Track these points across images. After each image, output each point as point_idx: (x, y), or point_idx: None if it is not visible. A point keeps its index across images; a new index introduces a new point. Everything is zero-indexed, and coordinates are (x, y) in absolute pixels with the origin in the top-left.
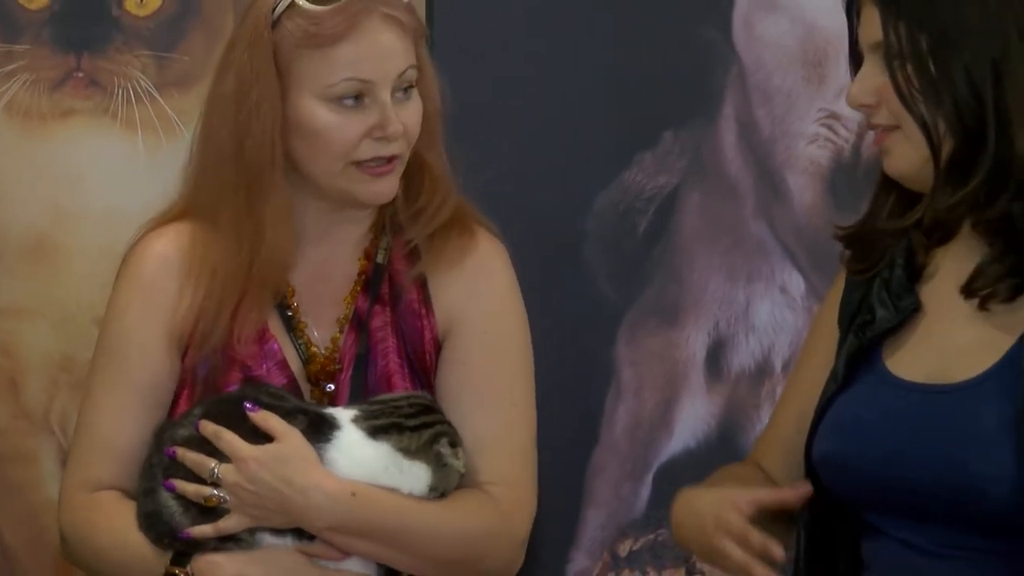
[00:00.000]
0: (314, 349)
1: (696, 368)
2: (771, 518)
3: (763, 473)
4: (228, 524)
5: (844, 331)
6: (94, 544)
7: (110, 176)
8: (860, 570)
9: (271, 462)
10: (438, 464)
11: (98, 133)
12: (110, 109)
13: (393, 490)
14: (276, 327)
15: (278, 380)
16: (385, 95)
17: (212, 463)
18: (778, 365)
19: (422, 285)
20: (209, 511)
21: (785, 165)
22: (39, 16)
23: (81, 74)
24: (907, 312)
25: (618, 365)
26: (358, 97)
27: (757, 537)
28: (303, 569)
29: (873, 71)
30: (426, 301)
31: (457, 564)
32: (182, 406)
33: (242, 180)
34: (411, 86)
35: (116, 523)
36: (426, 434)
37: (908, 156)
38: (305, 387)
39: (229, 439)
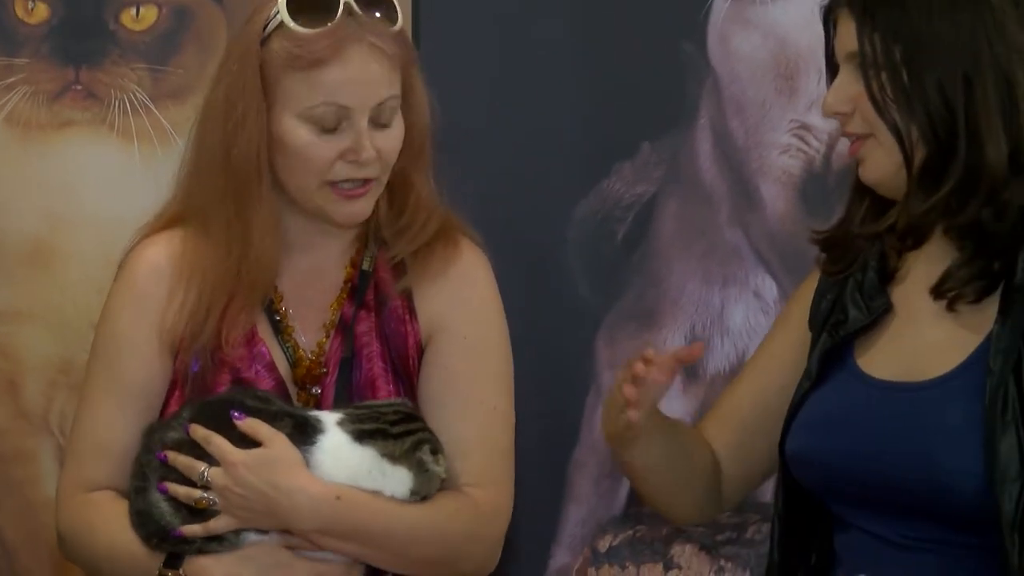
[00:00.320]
0: (301, 352)
1: None
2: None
3: (709, 447)
4: (217, 525)
5: (817, 332)
6: (91, 543)
7: (107, 184)
8: (832, 562)
9: (258, 466)
10: (420, 470)
11: (95, 143)
12: (107, 120)
13: (376, 493)
14: (265, 331)
15: (267, 383)
16: (361, 121)
17: (202, 466)
18: None
19: (407, 293)
20: (199, 512)
21: (758, 174)
22: (38, 30)
23: (79, 86)
24: (878, 312)
25: (598, 366)
26: (336, 120)
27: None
28: (289, 563)
29: (848, 80)
30: (410, 308)
31: (436, 564)
32: (173, 407)
33: (230, 187)
34: (393, 112)
35: (111, 523)
36: (408, 441)
37: (882, 163)
38: (292, 390)
39: (218, 443)
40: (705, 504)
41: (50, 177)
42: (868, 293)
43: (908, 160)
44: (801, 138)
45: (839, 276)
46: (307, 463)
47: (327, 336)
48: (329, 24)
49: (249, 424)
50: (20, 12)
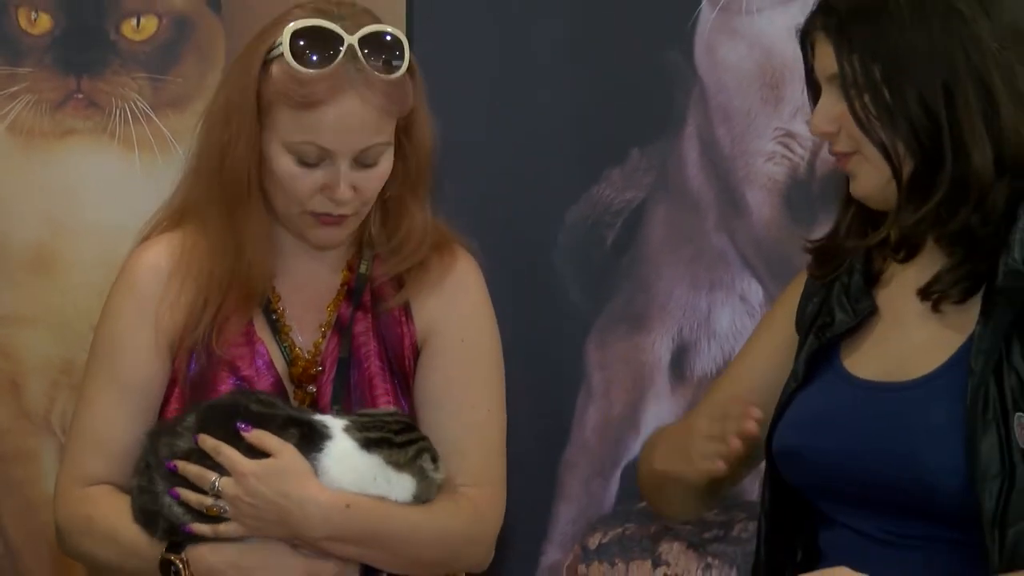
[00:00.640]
0: (298, 351)
1: (661, 371)
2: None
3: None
4: (227, 529)
5: (804, 333)
6: (90, 537)
7: (108, 191)
8: (817, 557)
9: (269, 476)
10: (422, 477)
11: (97, 151)
12: (108, 128)
13: (380, 498)
14: (263, 330)
15: (265, 380)
16: (342, 164)
17: (213, 476)
18: None
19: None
20: (207, 516)
21: (744, 181)
22: (41, 41)
23: (81, 95)
24: (864, 315)
25: (588, 368)
26: (318, 158)
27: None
28: (290, 557)
29: (831, 101)
30: (406, 310)
31: (437, 564)
32: (173, 404)
33: (224, 196)
34: (379, 154)
35: (110, 516)
36: (412, 449)
37: (871, 178)
38: (289, 388)
39: (228, 454)
40: (699, 504)
41: (52, 184)
42: (854, 296)
43: (897, 174)
44: (786, 146)
45: (825, 280)
46: (315, 469)
47: (323, 336)
48: (328, 67)
49: (256, 436)
50: (23, 23)
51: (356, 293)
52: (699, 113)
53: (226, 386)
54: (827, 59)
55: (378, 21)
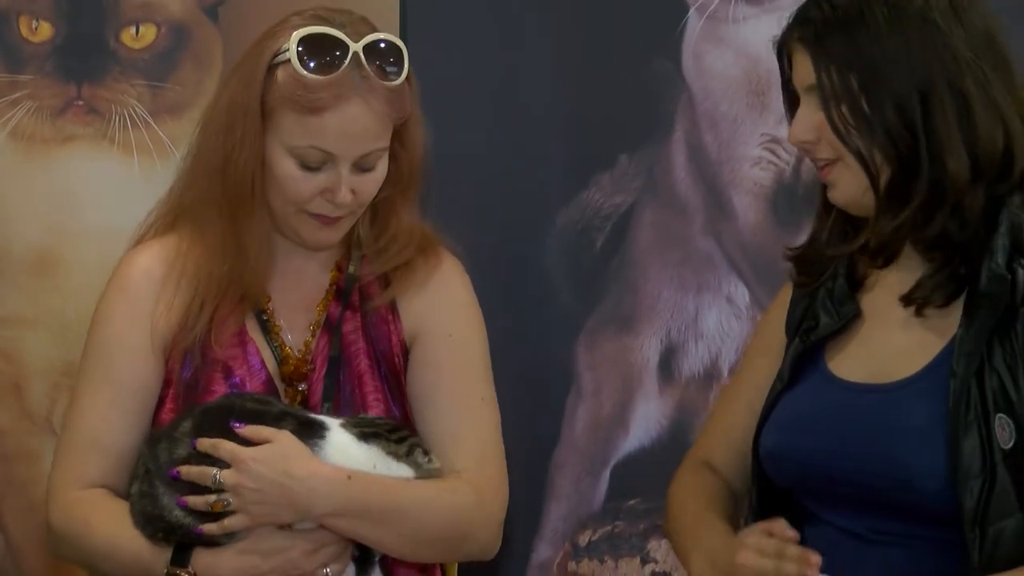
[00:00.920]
0: (288, 351)
1: (650, 372)
2: None
3: (723, 482)
4: (233, 523)
5: (791, 337)
6: (89, 541)
7: (107, 196)
8: None
9: (269, 459)
10: (418, 468)
11: (97, 156)
12: (108, 134)
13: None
14: (253, 330)
15: (257, 379)
16: (344, 168)
17: (213, 471)
18: (725, 369)
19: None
20: (216, 515)
21: (731, 185)
22: (42, 48)
23: (81, 102)
24: (848, 318)
25: (578, 369)
26: (320, 162)
27: (794, 549)
28: (288, 541)
29: (810, 111)
30: (393, 309)
31: (444, 542)
32: (167, 406)
33: (226, 199)
34: (378, 158)
35: (109, 522)
36: (404, 446)
37: (850, 186)
38: (280, 387)
39: (227, 447)
40: None
41: (53, 189)
42: (838, 299)
43: (874, 182)
44: (771, 151)
45: (809, 287)
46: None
47: (313, 335)
48: (335, 74)
49: (251, 430)
50: (25, 31)
51: (345, 293)
52: (687, 119)
53: (220, 386)
54: (805, 70)
55: (376, 29)
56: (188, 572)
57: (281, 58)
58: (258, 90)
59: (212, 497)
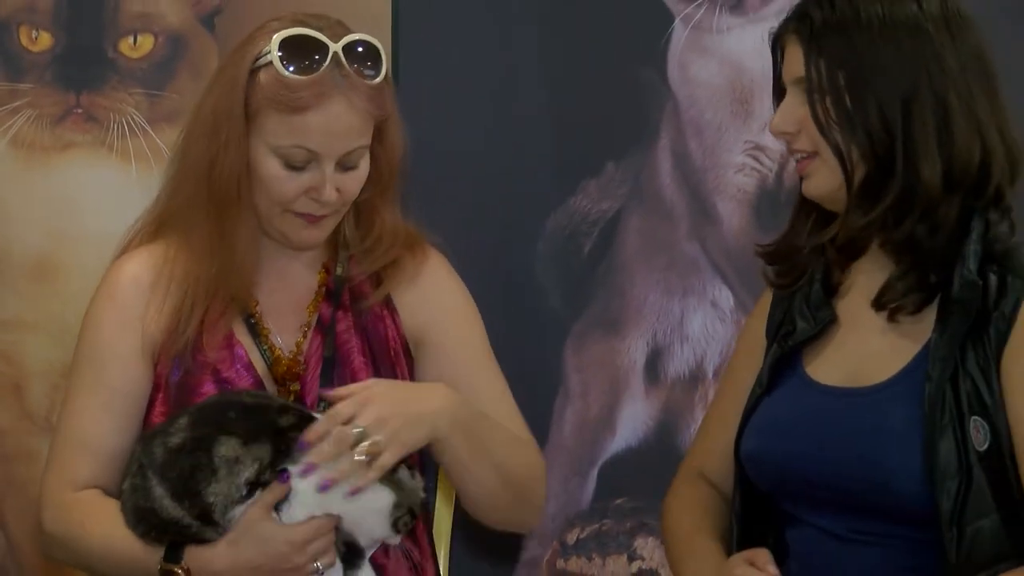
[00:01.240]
0: (279, 352)
1: (636, 374)
2: None
3: (717, 493)
4: (386, 459)
5: (770, 341)
6: (85, 543)
7: (106, 202)
8: (785, 554)
9: (386, 393)
10: (399, 488)
11: (95, 164)
12: (106, 142)
13: None
14: (241, 333)
15: (245, 381)
16: (328, 167)
17: (351, 427)
18: (710, 371)
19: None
20: (205, 516)
21: (715, 191)
22: (42, 58)
23: (80, 110)
24: (824, 323)
25: (566, 371)
26: (304, 161)
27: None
28: (277, 530)
29: (795, 103)
30: (388, 304)
31: (520, 487)
32: (157, 409)
33: (212, 202)
34: (360, 156)
35: (104, 522)
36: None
37: (825, 180)
38: (271, 387)
39: (333, 412)
40: None
41: (53, 195)
42: (814, 305)
43: (848, 178)
44: (755, 158)
45: (786, 291)
46: None
47: (304, 336)
48: (316, 73)
49: (340, 388)
50: (25, 40)
51: (335, 294)
52: (672, 127)
53: (209, 388)
54: (795, 63)
55: (351, 31)
56: (181, 567)
57: (263, 61)
58: (241, 94)
59: (364, 444)
